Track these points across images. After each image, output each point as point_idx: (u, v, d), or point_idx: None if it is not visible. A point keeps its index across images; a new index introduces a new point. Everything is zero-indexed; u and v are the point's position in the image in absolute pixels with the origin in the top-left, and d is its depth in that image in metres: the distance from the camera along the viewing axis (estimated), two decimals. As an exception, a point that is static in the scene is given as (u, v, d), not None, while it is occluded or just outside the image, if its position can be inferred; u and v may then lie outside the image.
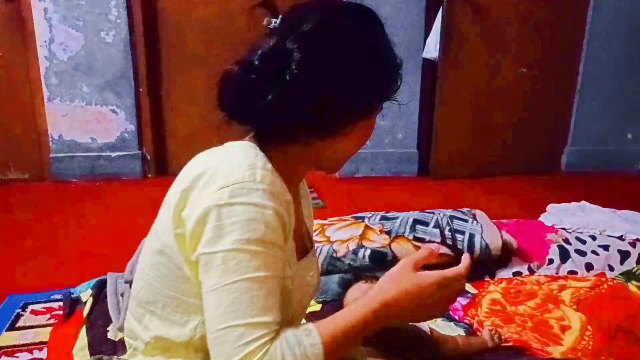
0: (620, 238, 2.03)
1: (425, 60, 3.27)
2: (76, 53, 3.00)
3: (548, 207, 2.45)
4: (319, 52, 0.75)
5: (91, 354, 1.34)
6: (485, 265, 1.89)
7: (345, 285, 1.53)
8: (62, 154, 3.12)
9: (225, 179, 0.71)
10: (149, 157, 3.26)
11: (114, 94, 3.10)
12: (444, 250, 1.82)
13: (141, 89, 3.15)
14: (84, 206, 2.77)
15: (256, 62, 0.76)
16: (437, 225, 1.93)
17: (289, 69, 0.73)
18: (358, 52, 0.76)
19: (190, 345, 0.79)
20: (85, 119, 3.10)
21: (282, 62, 0.74)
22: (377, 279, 1.33)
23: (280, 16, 0.77)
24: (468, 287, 1.82)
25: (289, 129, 0.77)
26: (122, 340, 1.44)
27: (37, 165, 3.13)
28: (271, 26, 0.78)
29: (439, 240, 1.85)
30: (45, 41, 2.96)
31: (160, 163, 3.33)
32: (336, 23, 0.77)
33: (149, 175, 3.27)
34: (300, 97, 0.74)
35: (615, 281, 1.80)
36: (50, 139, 3.09)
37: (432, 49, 3.19)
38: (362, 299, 0.77)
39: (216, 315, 0.69)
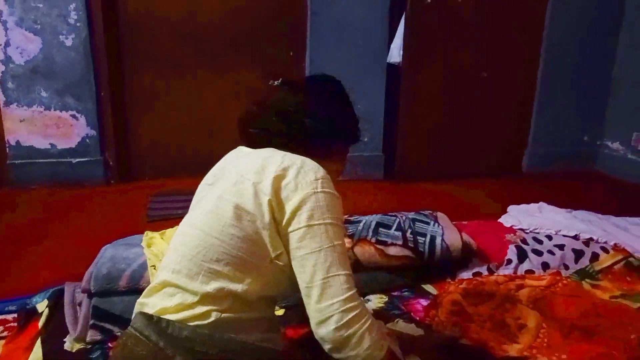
0: (575, 237, 2.10)
1: (390, 65, 3.32)
2: (34, 57, 2.92)
3: (508, 209, 2.52)
4: (305, 102, 1.13)
5: (46, 367, 1.31)
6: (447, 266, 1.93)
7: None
8: (20, 160, 3.03)
9: (315, 173, 1.01)
10: (111, 163, 3.20)
11: (74, 99, 3.03)
12: (406, 252, 1.85)
13: (102, 93, 3.09)
14: (43, 214, 2.69)
15: (268, 104, 1.13)
16: (399, 228, 1.95)
17: (288, 109, 1.11)
18: (325, 105, 1.14)
19: (241, 297, 0.98)
20: (44, 124, 3.02)
21: (285, 106, 1.12)
22: None
23: (280, 79, 1.17)
24: (429, 288, 1.85)
25: (297, 148, 1.10)
26: (79, 351, 1.41)
27: (-6, 172, 3.04)
28: (276, 84, 1.17)
29: (400, 242, 1.87)
30: (0, 44, 2.87)
31: (123, 169, 3.27)
32: (313, 86, 1.20)
33: (112, 182, 3.21)
34: (295, 127, 1.10)
35: (569, 280, 1.86)
36: (7, 145, 3.00)
37: (395, 53, 3.24)
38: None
39: (323, 267, 0.95)
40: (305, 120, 1.09)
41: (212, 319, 0.94)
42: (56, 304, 1.61)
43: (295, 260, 0.98)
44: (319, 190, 0.99)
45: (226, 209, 0.99)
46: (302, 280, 0.97)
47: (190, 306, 0.95)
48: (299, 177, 0.99)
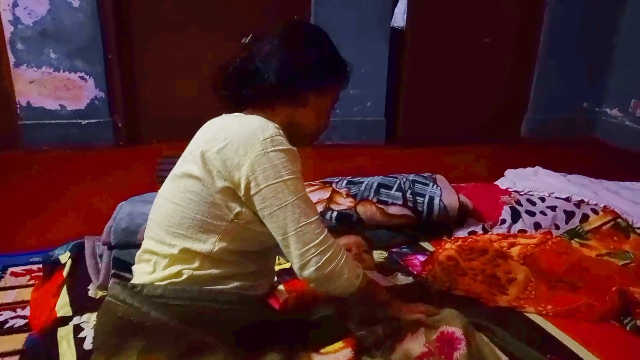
0: (567, 199, 2.20)
1: (394, 29, 3.34)
2: (42, 18, 2.96)
3: (506, 172, 2.61)
4: (271, 54, 1.11)
5: (73, 311, 1.43)
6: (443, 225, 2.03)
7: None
8: (31, 121, 3.10)
9: (262, 133, 1.02)
10: (120, 125, 3.27)
11: (83, 61, 3.08)
12: (405, 211, 1.95)
13: (110, 56, 3.13)
14: (57, 174, 2.79)
15: (238, 63, 1.13)
16: (399, 188, 2.04)
17: (255, 64, 1.11)
18: (284, 51, 1.11)
19: (209, 256, 1.06)
20: (54, 85, 3.08)
21: (253, 62, 1.11)
22: (351, 233, 1.61)
23: (250, 35, 1.15)
24: (427, 245, 1.97)
25: (266, 101, 1.12)
26: (102, 298, 1.52)
27: (7, 133, 3.11)
28: (246, 42, 1.15)
29: (400, 202, 1.97)
30: (8, 5, 2.90)
31: (132, 131, 3.34)
32: (275, 35, 1.13)
33: (121, 144, 3.29)
34: (264, 82, 1.10)
35: (559, 238, 1.97)
36: (18, 106, 3.07)
37: (399, 18, 3.26)
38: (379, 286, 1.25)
39: (293, 219, 1.02)
40: (259, 69, 1.09)
41: (184, 276, 1.05)
42: (77, 256, 1.72)
43: (266, 218, 1.03)
44: (269, 150, 1.01)
45: (183, 176, 1.07)
46: (277, 234, 1.04)
47: (164, 267, 1.07)
48: (247, 140, 1.01)
